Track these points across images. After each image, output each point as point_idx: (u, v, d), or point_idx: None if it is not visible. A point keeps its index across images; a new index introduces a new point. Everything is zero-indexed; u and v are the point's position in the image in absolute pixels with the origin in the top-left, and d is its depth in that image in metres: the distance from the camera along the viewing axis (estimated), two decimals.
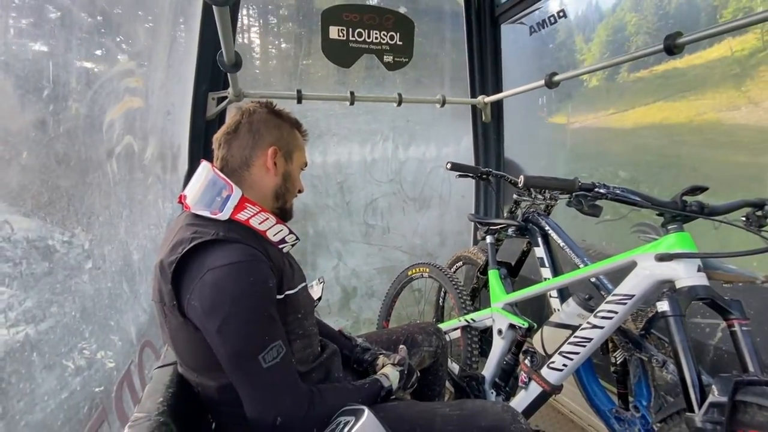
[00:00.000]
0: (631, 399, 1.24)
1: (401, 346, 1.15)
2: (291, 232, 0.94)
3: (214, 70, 1.72)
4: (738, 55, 1.58)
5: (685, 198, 1.00)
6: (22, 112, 0.64)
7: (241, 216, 0.87)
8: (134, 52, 1.06)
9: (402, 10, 2.26)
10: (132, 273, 1.06)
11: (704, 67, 1.68)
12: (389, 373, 1.02)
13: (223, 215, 0.85)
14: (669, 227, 1.03)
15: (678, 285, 0.97)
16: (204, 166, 0.93)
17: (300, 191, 1.04)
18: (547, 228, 1.50)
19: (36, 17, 0.70)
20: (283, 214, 0.99)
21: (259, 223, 0.88)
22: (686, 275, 0.96)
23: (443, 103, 2.20)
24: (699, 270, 0.96)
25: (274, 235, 0.91)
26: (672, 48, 1.27)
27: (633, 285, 1.07)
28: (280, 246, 0.94)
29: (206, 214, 0.86)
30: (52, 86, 0.68)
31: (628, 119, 2.14)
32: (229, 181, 0.89)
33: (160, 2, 1.27)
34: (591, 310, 1.20)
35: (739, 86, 1.63)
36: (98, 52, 0.90)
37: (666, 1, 1.72)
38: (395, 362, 1.07)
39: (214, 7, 0.91)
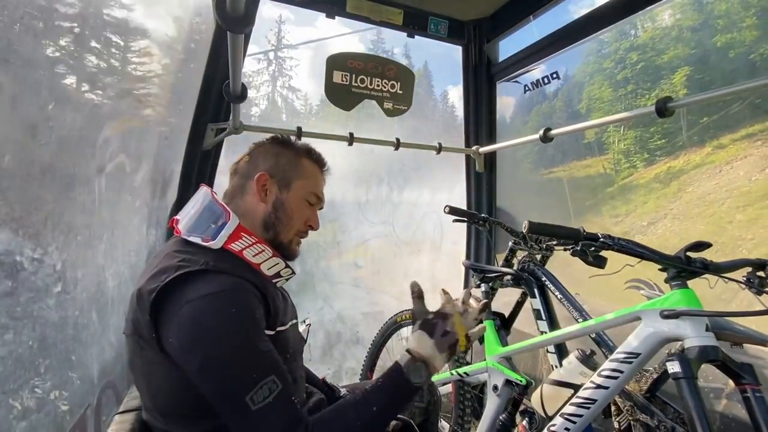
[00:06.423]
0: None
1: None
2: (287, 266, 0.88)
3: (216, 101, 1.72)
4: (610, 176, 1.53)
5: (689, 254, 0.99)
6: (12, 113, 0.59)
7: (235, 246, 0.81)
8: (143, 66, 1.04)
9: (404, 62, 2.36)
10: (104, 302, 0.95)
11: (575, 187, 1.66)
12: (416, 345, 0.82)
13: (216, 243, 0.79)
14: (673, 283, 1.01)
15: (686, 345, 0.93)
16: (203, 191, 0.89)
17: (311, 227, 0.97)
18: (543, 279, 1.46)
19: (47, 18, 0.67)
20: (282, 251, 0.90)
21: (254, 256, 0.82)
22: (694, 334, 0.92)
23: (439, 150, 2.24)
24: (707, 329, 0.93)
25: (269, 269, 0.85)
26: (663, 110, 1.33)
27: (638, 342, 1.02)
28: (275, 281, 0.87)
29: (197, 241, 0.80)
30: (49, 90, 0.64)
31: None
32: (227, 208, 0.84)
33: (175, 22, 1.27)
34: (594, 367, 1.14)
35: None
36: (104, 66, 0.87)
37: (576, 100, 1.86)
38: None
39: (228, 33, 0.91)
